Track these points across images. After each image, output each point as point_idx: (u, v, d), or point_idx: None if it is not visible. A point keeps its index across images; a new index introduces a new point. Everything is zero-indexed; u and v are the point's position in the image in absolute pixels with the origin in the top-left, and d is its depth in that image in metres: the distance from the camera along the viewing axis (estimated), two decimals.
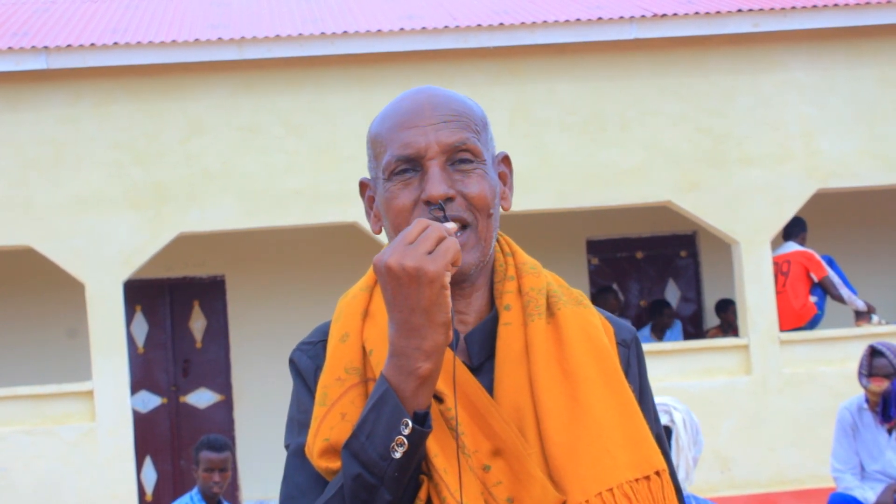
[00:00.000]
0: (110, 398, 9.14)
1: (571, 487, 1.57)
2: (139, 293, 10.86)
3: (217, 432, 8.48)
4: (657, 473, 1.62)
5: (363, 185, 1.76)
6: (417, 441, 1.50)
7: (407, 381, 1.50)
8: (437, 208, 1.60)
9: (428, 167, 1.62)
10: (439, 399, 1.59)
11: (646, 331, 11.08)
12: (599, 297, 11.14)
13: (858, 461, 6.56)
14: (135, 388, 10.67)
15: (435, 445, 1.56)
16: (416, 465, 1.53)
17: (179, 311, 11.16)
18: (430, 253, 1.48)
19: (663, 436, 1.77)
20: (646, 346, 9.62)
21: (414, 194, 1.63)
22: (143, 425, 10.63)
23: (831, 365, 9.51)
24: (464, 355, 1.66)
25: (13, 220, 9.22)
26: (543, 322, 1.66)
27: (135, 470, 9.22)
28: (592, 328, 1.69)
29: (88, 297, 9.22)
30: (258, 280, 11.00)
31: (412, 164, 1.64)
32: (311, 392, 1.67)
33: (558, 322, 1.67)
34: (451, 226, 1.56)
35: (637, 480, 1.60)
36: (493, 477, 1.58)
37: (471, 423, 1.60)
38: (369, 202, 1.75)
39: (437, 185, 1.61)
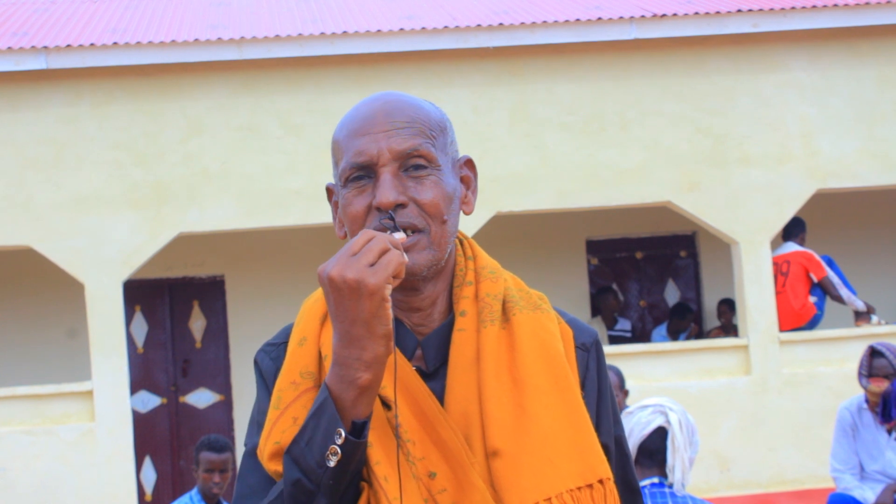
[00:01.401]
0: (110, 398, 9.14)
1: (510, 497, 1.57)
2: (139, 293, 10.86)
3: (217, 432, 8.49)
4: (601, 482, 1.62)
5: (329, 191, 1.77)
6: (351, 451, 1.51)
7: (347, 391, 1.51)
8: (388, 217, 1.61)
9: (380, 174, 1.63)
10: (387, 406, 1.59)
11: (662, 329, 11.09)
12: (599, 297, 11.14)
13: (858, 461, 6.56)
14: (134, 388, 10.67)
15: (379, 452, 1.56)
16: (355, 472, 1.54)
17: (179, 311, 11.15)
18: (372, 265, 1.49)
19: (624, 438, 1.77)
20: (645, 347, 9.62)
21: (367, 201, 1.64)
22: (143, 425, 10.62)
23: (831, 365, 9.51)
24: (420, 361, 1.67)
25: (13, 220, 9.22)
26: (496, 328, 1.66)
27: (134, 470, 9.22)
28: (547, 334, 1.68)
29: (88, 297, 9.21)
30: (258, 280, 11.00)
31: (366, 171, 1.64)
32: (270, 393, 1.68)
33: (512, 328, 1.67)
34: (400, 235, 1.57)
35: (579, 489, 1.59)
36: (439, 484, 1.58)
37: (419, 429, 1.60)
38: (335, 207, 1.75)
39: (387, 192, 1.61)
